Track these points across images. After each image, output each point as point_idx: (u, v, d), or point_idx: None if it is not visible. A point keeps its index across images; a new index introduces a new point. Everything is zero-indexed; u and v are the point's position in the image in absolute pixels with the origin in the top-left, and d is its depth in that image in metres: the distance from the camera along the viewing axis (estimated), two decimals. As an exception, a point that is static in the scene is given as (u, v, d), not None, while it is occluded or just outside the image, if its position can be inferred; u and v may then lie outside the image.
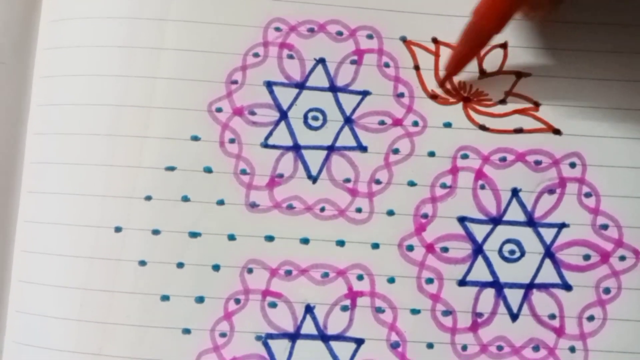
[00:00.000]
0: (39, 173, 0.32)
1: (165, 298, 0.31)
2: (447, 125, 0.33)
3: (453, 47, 0.32)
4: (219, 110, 0.32)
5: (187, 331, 0.31)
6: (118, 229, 0.31)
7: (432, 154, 0.32)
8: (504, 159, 0.32)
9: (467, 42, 0.31)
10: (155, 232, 0.31)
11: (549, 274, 0.32)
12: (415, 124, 0.33)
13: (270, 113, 0.32)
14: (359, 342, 0.31)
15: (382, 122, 0.33)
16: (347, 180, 0.32)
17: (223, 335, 0.31)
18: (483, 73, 0.33)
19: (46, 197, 0.32)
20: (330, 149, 0.32)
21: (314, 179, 0.32)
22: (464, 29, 0.31)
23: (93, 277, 0.31)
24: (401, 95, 0.33)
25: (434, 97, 0.33)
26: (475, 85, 0.33)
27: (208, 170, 0.32)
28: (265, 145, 0.32)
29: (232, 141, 0.32)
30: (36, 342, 0.31)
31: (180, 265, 0.31)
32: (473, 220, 0.32)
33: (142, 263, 0.31)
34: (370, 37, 0.33)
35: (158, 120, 0.32)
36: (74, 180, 0.32)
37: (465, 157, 0.32)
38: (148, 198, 0.32)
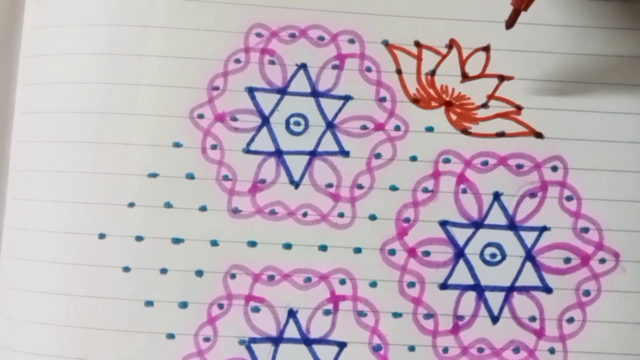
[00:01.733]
0: (24, 180, 0.33)
1: (149, 304, 0.31)
2: (429, 129, 0.33)
3: None
4: (201, 116, 0.32)
5: (171, 336, 0.31)
6: (102, 236, 0.32)
7: (414, 159, 0.32)
8: (485, 163, 0.32)
9: None
10: (139, 238, 0.32)
11: (529, 276, 0.32)
12: (397, 128, 0.33)
13: (251, 119, 0.33)
14: (342, 345, 0.31)
15: (364, 127, 0.33)
16: (330, 185, 0.32)
17: (207, 339, 0.31)
18: (465, 76, 0.33)
19: (31, 204, 0.32)
20: (313, 154, 0.32)
21: (296, 184, 0.32)
22: None
23: (78, 283, 0.31)
24: (383, 99, 0.33)
25: (415, 101, 0.33)
26: (457, 89, 0.33)
27: (190, 176, 0.32)
28: (247, 151, 0.32)
29: (214, 147, 0.32)
30: (22, 347, 0.32)
31: (163, 271, 0.31)
32: (455, 224, 0.32)
33: (126, 269, 0.31)
34: (352, 41, 0.33)
35: (140, 126, 0.32)
36: (59, 187, 0.32)
37: (447, 161, 0.32)
38: (131, 205, 0.32)
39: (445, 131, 0.33)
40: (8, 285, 0.32)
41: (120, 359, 0.31)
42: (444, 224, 0.32)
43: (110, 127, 0.32)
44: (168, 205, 0.32)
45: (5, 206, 0.33)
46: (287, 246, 0.32)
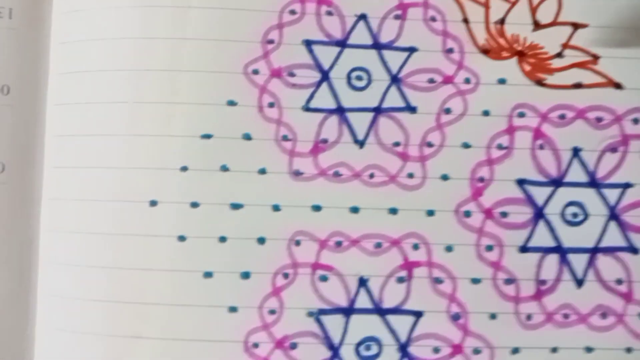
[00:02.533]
0: (62, 146, 0.30)
1: (208, 275, 0.29)
2: (501, 81, 0.30)
3: None
4: (256, 72, 0.30)
5: (233, 309, 0.29)
6: (153, 203, 0.29)
7: (486, 113, 0.30)
8: (563, 117, 0.30)
9: None
10: (194, 204, 0.29)
11: (614, 237, 0.30)
12: (467, 81, 0.30)
13: (310, 74, 0.30)
14: (418, 314, 0.29)
15: (431, 80, 0.30)
16: (397, 144, 0.30)
17: (272, 312, 0.29)
18: (537, 25, 0.31)
19: (71, 172, 0.30)
20: (377, 110, 0.30)
21: (360, 144, 0.30)
22: None
23: (127, 255, 0.29)
24: (450, 50, 0.30)
25: (485, 51, 0.31)
26: (529, 38, 0.31)
27: (247, 137, 0.30)
28: (307, 108, 0.30)
29: (271, 105, 0.30)
30: (67, 326, 0.29)
31: (222, 239, 0.29)
32: (532, 183, 0.30)
33: (181, 238, 0.29)
34: (414, -11, 0.31)
35: (189, 84, 0.30)
36: (100, 152, 0.29)
37: (521, 115, 0.30)
38: (184, 169, 0.29)
39: (518, 83, 0.30)
40: (49, 260, 0.30)
41: (177, 336, 0.29)
42: (521, 182, 0.30)
43: (153, 85, 0.30)
44: (224, 168, 0.29)
45: (43, 175, 0.30)
46: (354, 210, 0.29)
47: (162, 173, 0.29)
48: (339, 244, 0.29)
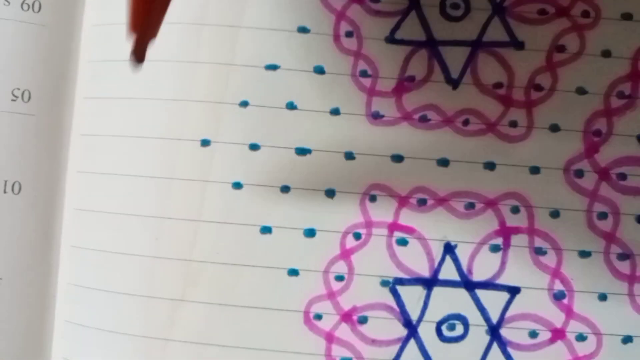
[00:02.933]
0: (98, 73, 0.26)
1: (266, 230, 0.25)
2: (627, 17, 0.26)
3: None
4: (332, -5, 0.25)
5: (294, 272, 0.25)
6: (205, 142, 0.25)
7: (607, 54, 0.25)
8: (700, 62, 0.25)
9: None
10: (254, 146, 0.25)
11: None
12: (586, 14, 0.26)
13: (398, 0, 0.26)
14: (514, 291, 0.25)
15: (542, 12, 0.26)
16: (498, 85, 0.25)
17: (340, 278, 0.25)
18: (672, -51, 0.26)
19: (107, 104, 0.26)
20: (476, 44, 0.25)
21: (454, 84, 0.25)
22: None
23: (172, 203, 0.25)
24: (567, -23, 0.26)
25: (610, -20, 0.26)
26: (661, -35, 0.26)
27: (319, 70, 0.25)
28: (392, 40, 0.26)
29: (349, 34, 0.26)
30: (105, 286, 0.26)
31: (285, 189, 0.25)
32: (659, 140, 0.25)
33: (237, 185, 0.25)
34: None
35: (255, 7, 0.25)
36: (147, 81, 0.25)
37: (650, 58, 0.25)
38: (244, 104, 0.25)
39: (648, 19, 0.25)
40: (78, 208, 0.26)
41: (227, 301, 0.25)
42: (644, 139, 0.25)
43: (215, 7, 0.25)
44: (291, 106, 0.25)
45: (74, 109, 0.27)
46: (443, 162, 0.25)
47: (217, 107, 0.25)
48: (422, 202, 0.25)
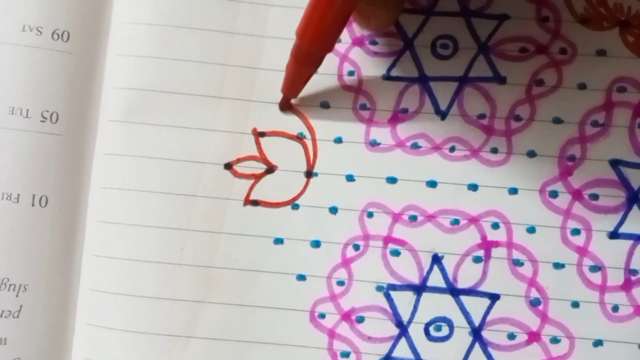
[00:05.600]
0: (120, 100, 0.29)
1: (278, 241, 0.28)
2: (601, 53, 0.28)
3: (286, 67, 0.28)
4: (338, 40, 0.29)
5: (302, 277, 0.28)
6: (227, 166, 0.29)
7: (582, 87, 0.28)
8: (668, 93, 0.28)
9: (297, 63, 0.27)
10: (269, 171, 0.29)
11: None
12: (563, 51, 0.28)
13: (393, 42, 0.29)
14: (494, 297, 0.28)
15: (523, 49, 0.28)
16: (482, 116, 0.28)
17: (341, 283, 0.28)
18: (645, -8, 0.28)
19: (131, 127, 0.29)
20: (462, 80, 0.28)
21: (442, 115, 0.28)
22: (291, 49, 0.27)
23: (195, 216, 0.28)
24: (545, 19, 0.28)
25: (584, 21, 0.28)
26: (634, 8, 0.28)
27: (325, 105, 0.29)
28: (388, 77, 0.29)
29: (351, 74, 0.29)
30: (130, 290, 0.28)
31: (295, 207, 0.29)
32: (628, 164, 0.28)
33: (254, 203, 0.29)
34: (508, -48, 0.29)
35: (271, 52, 0.29)
36: (176, 112, 0.29)
37: (622, 90, 0.28)
38: (261, 134, 0.29)
39: (619, 55, 0.28)
40: (99, 220, 0.29)
41: (243, 302, 0.28)
42: (615, 163, 0.28)
43: (237, 50, 0.29)
44: (301, 135, 0.29)
45: (97, 130, 0.29)
46: (432, 184, 0.28)
47: (238, 137, 0.29)
48: (413, 218, 0.28)
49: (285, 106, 0.29)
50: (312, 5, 0.25)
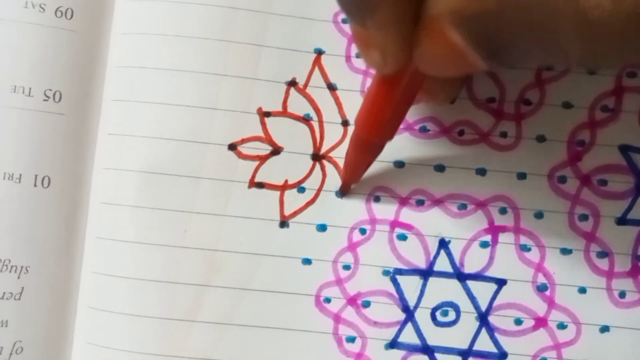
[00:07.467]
0: (125, 79, 0.29)
1: (283, 224, 0.28)
2: (612, 38, 0.28)
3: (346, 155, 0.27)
4: (345, 21, 0.28)
5: (307, 261, 0.28)
6: (232, 147, 0.28)
7: (592, 71, 0.28)
8: (679, 78, 0.27)
9: (356, 152, 0.27)
10: (275, 152, 0.28)
11: None
12: (573, 36, 0.28)
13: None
14: (501, 282, 0.28)
15: (533, 34, 0.28)
16: (491, 100, 0.28)
17: (347, 267, 0.28)
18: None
19: (135, 106, 0.28)
20: (472, 64, 0.28)
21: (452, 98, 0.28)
22: (351, 137, 0.27)
23: (199, 199, 0.28)
24: (556, 2, 0.28)
25: (595, 4, 0.28)
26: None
27: (332, 87, 0.29)
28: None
29: (359, 55, 0.28)
30: (131, 273, 0.28)
31: (301, 190, 0.28)
32: (638, 150, 0.28)
33: (259, 185, 0.28)
34: None
35: (276, 30, 0.29)
36: (177, 89, 0.29)
37: (632, 75, 0.28)
38: (266, 114, 0.28)
39: (631, 40, 0.28)
40: (103, 201, 0.28)
41: (248, 286, 0.28)
42: (625, 149, 0.28)
43: (240, 27, 0.28)
44: (307, 116, 0.28)
45: (101, 110, 0.29)
46: (440, 168, 0.28)
47: (242, 116, 0.28)
48: (420, 202, 0.28)
49: (346, 192, 0.28)
50: (372, 94, 0.24)
